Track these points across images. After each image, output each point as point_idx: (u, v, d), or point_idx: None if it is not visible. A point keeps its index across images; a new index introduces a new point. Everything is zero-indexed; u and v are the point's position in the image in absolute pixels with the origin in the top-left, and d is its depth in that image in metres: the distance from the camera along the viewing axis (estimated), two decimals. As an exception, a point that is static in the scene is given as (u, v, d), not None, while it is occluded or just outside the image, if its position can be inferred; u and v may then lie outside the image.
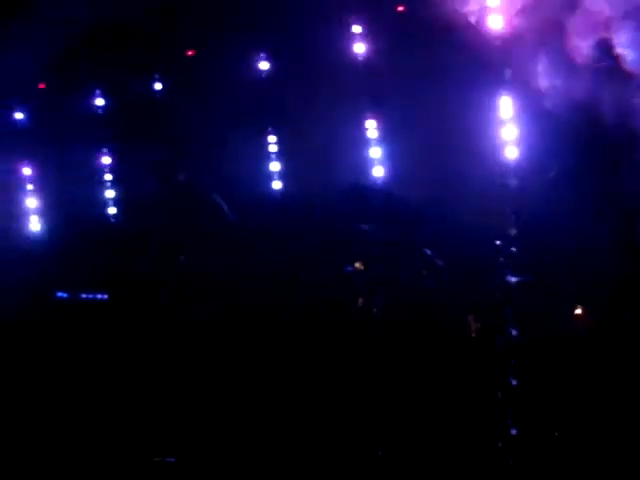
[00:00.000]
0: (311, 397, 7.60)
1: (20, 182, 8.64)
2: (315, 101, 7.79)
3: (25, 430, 7.77)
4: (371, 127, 7.79)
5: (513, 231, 7.38)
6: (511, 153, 7.39)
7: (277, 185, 8.14)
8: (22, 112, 8.48)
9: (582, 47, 6.83)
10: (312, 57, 7.68)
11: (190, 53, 8.01)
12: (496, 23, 7.20)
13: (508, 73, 7.28)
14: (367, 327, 7.64)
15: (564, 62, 6.92)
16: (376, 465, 7.23)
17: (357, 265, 7.83)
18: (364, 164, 7.82)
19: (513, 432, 6.96)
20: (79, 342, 8.11)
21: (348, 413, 7.44)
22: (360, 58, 7.71)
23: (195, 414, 7.71)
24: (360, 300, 7.75)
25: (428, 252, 7.72)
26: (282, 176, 8.10)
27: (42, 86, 8.21)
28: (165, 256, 8.09)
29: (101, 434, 7.72)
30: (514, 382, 7.07)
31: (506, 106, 7.37)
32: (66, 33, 7.81)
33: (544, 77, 7.03)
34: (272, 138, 8.13)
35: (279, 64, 7.91)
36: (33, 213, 8.66)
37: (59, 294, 8.40)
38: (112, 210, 8.58)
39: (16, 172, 8.58)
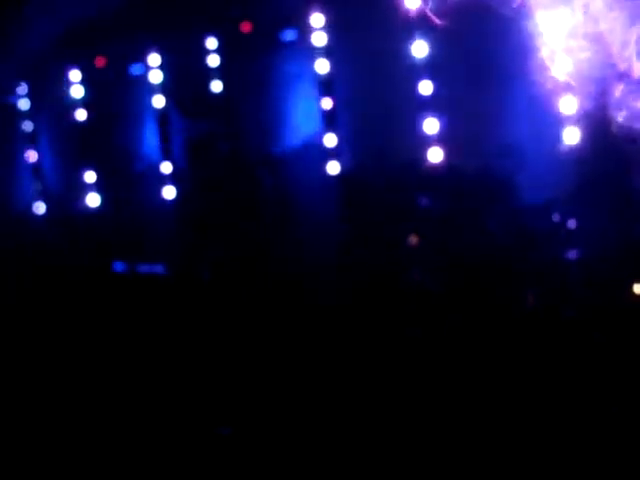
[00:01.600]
0: (373, 371, 7.55)
1: (77, 157, 8.86)
2: (369, 72, 7.71)
3: (82, 401, 7.97)
4: (427, 97, 7.63)
5: (572, 205, 7.19)
6: (571, 124, 7.16)
7: (332, 158, 8.05)
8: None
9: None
10: (364, 23, 7.58)
11: (246, 27, 8.00)
12: None
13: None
14: (423, 301, 7.57)
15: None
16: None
17: (413, 238, 7.74)
18: (419, 136, 7.67)
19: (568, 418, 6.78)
20: (136, 313, 8.30)
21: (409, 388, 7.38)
22: (417, 24, 7.48)
23: (251, 386, 7.78)
24: (416, 273, 7.67)
25: (485, 226, 7.59)
26: (337, 149, 8.01)
27: (101, 62, 8.35)
28: (215, 231, 8.17)
29: (158, 406, 7.86)
30: (569, 363, 6.93)
31: (566, 76, 7.11)
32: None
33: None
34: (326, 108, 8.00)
35: (333, 35, 7.81)
36: (90, 187, 8.86)
37: (116, 266, 8.61)
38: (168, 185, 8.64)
39: (72, 147, 8.80)
